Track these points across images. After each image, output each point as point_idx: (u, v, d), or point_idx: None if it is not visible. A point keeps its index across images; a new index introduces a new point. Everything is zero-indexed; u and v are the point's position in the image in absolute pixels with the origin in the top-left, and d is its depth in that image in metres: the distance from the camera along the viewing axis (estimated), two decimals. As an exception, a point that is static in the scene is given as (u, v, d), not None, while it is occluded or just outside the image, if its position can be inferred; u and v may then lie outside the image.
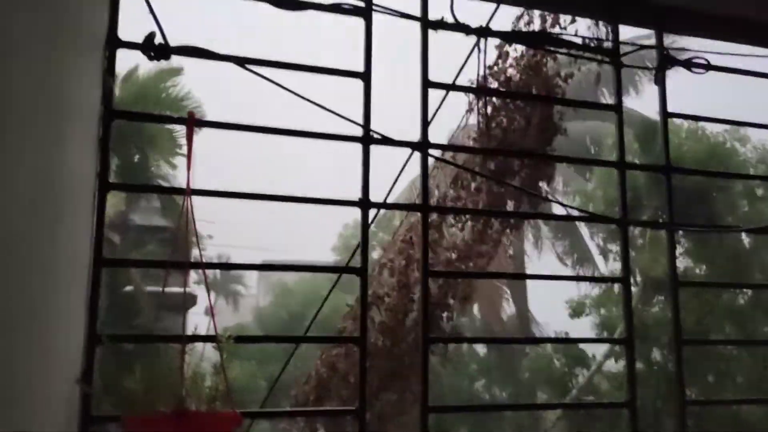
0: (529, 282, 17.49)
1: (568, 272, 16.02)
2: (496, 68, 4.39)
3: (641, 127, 11.74)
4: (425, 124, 2.75)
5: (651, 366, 11.96)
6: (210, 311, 2.41)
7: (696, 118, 4.19)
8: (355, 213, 2.63)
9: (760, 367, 11.72)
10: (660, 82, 3.04)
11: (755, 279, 11.69)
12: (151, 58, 2.39)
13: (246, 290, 25.17)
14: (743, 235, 12.03)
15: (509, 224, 5.38)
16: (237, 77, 2.66)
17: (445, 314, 5.85)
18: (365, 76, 2.65)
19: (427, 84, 2.76)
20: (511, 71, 4.46)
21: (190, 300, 12.89)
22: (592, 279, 16.45)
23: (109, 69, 2.39)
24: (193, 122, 2.37)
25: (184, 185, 2.19)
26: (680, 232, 11.35)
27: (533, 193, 4.28)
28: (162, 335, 2.22)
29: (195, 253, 2.45)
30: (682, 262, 12.28)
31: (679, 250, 12.31)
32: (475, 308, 15.75)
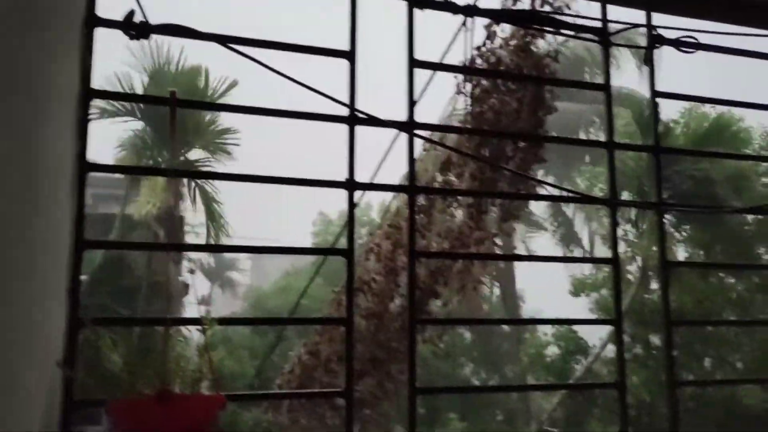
0: (519, 270, 17.54)
1: (550, 243, 16.08)
2: (484, 49, 4.35)
3: (640, 108, 11.78)
4: (411, 103, 2.72)
5: (650, 350, 12.03)
6: (195, 295, 2.39)
7: (686, 98, 4.17)
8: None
9: (757, 352, 11.86)
10: (649, 61, 3.01)
11: (758, 263, 11.74)
12: (132, 37, 2.35)
13: (242, 276, 24.97)
14: (748, 219, 12.02)
15: (508, 214, 5.33)
16: (220, 58, 2.62)
17: (435, 301, 5.83)
18: (350, 56, 2.61)
19: (413, 63, 2.72)
20: (500, 52, 4.41)
21: (182, 288, 12.83)
22: (583, 260, 16.53)
23: (87, 48, 2.34)
24: (176, 102, 2.33)
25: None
26: (678, 218, 11.42)
27: (526, 175, 4.26)
28: (145, 318, 2.19)
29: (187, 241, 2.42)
30: (682, 249, 12.32)
31: (678, 236, 12.33)
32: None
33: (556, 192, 11.24)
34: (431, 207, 5.48)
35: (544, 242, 16.46)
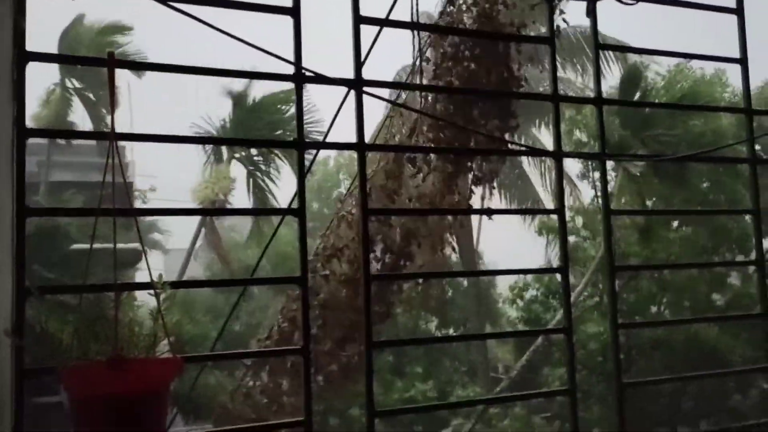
0: (480, 230, 17.79)
1: (519, 221, 16.42)
2: (447, 17, 4.31)
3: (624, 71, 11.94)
4: (358, 61, 2.70)
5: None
6: (144, 259, 2.37)
7: (626, 50, 4.24)
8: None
9: (705, 292, 12.51)
10: (591, 13, 3.05)
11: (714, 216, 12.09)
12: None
13: (164, 238, 24.31)
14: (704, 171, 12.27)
15: (482, 177, 5.35)
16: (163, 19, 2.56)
17: (410, 264, 5.86)
18: (294, 12, 2.57)
19: (359, 20, 2.70)
20: (466, 18, 4.37)
21: (135, 255, 12.61)
22: (531, 211, 16.89)
23: (20, 10, 2.26)
24: (114, 63, 2.26)
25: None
26: (645, 174, 11.64)
27: (497, 137, 4.27)
28: (94, 284, 2.17)
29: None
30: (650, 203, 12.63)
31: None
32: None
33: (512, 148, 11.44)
34: (401, 173, 5.47)
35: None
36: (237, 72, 2.55)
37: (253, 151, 15.26)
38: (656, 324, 12.52)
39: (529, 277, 15.00)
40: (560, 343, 12.58)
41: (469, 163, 4.81)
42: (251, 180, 15.19)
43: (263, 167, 15.37)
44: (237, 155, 15.34)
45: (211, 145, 15.41)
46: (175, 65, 2.45)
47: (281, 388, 5.44)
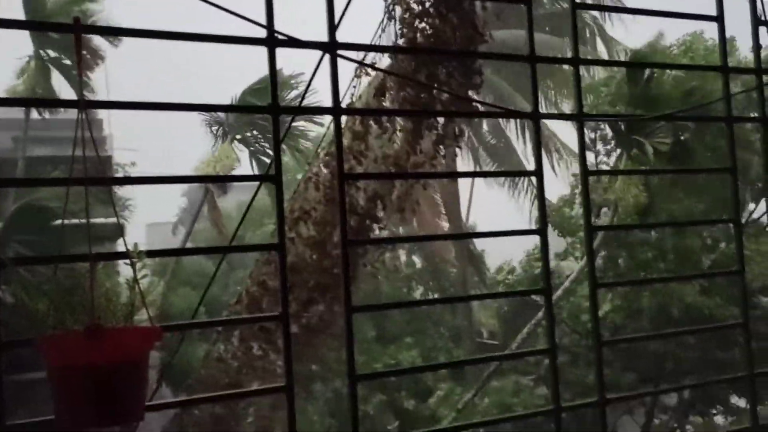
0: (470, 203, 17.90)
1: (505, 192, 16.51)
2: None
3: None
4: (332, 24, 2.66)
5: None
6: (121, 231, 2.34)
7: (604, 8, 4.21)
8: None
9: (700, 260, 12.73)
10: (568, -28, 3.01)
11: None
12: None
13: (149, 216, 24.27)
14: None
15: (444, 135, 5.34)
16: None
17: (375, 225, 5.89)
18: (265, -26, 2.51)
19: (332, -20, 2.65)
20: None
21: (116, 229, 12.54)
22: (509, 174, 16.95)
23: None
24: (80, 28, 2.20)
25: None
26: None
27: (462, 97, 4.25)
28: (68, 255, 2.14)
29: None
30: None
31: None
32: (415, 225, 16.10)
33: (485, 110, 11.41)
34: (367, 133, 5.45)
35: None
36: (208, 36, 2.49)
37: (255, 131, 15.68)
38: (633, 283, 12.68)
39: (515, 260, 15.16)
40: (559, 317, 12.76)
41: (433, 122, 4.79)
42: (253, 160, 15.58)
43: (265, 146, 15.74)
44: (238, 136, 15.69)
45: (219, 128, 15.72)
46: (145, 30, 2.39)
47: (252, 351, 5.47)
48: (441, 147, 5.36)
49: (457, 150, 5.74)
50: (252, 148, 15.96)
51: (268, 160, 15.42)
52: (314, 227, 5.70)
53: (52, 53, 14.73)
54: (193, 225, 17.10)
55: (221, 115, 15.54)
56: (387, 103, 5.19)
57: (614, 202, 11.56)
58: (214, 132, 15.80)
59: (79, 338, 1.86)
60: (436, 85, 4.33)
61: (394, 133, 5.27)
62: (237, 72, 16.17)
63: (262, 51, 2.51)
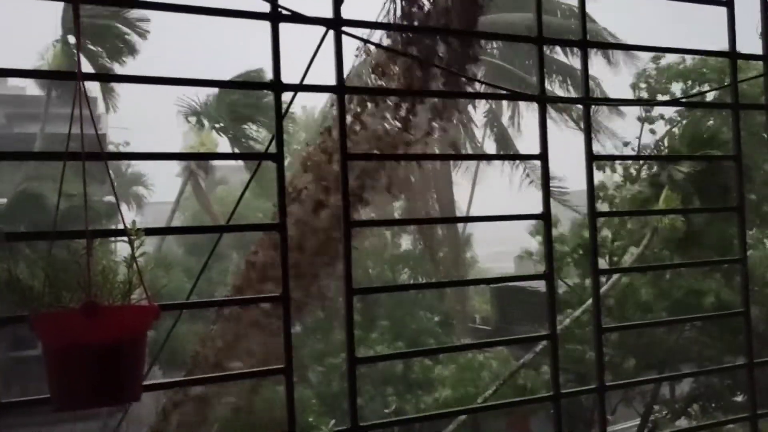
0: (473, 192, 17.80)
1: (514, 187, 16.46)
2: None
3: None
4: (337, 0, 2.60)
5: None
6: (117, 207, 2.29)
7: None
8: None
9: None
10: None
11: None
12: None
13: (148, 192, 24.37)
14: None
15: (438, 112, 5.27)
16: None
17: (359, 205, 5.82)
18: (269, -54, 2.44)
19: (336, -45, 2.58)
20: None
21: (112, 208, 12.47)
22: (512, 157, 16.94)
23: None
24: (79, 0, 2.13)
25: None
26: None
27: (458, 73, 4.19)
28: (65, 231, 2.09)
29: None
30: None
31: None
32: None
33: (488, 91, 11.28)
34: (362, 112, 5.38)
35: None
36: (211, 9, 2.42)
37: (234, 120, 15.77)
38: (635, 270, 12.63)
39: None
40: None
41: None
42: (235, 148, 15.72)
43: (248, 133, 15.78)
44: (217, 125, 15.75)
45: (196, 118, 15.75)
46: (145, 1, 2.33)
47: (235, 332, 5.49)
48: (435, 122, 5.29)
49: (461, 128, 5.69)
50: (230, 136, 15.96)
51: (250, 144, 15.37)
52: (299, 206, 5.66)
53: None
54: (177, 203, 17.10)
55: (197, 105, 15.59)
56: (383, 80, 5.10)
57: (652, 227, 10.88)
58: (191, 122, 15.94)
59: (76, 316, 1.81)
60: (436, 64, 4.26)
61: (386, 111, 5.19)
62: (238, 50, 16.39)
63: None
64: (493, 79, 14.05)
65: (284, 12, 2.45)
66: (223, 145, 16.07)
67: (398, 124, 4.81)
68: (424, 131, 5.23)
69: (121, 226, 2.09)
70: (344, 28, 2.59)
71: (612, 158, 11.69)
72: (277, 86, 2.44)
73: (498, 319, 16.98)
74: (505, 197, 16.39)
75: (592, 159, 2.87)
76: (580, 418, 13.09)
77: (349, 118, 4.95)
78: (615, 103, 10.20)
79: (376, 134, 5.00)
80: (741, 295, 3.35)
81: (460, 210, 18.35)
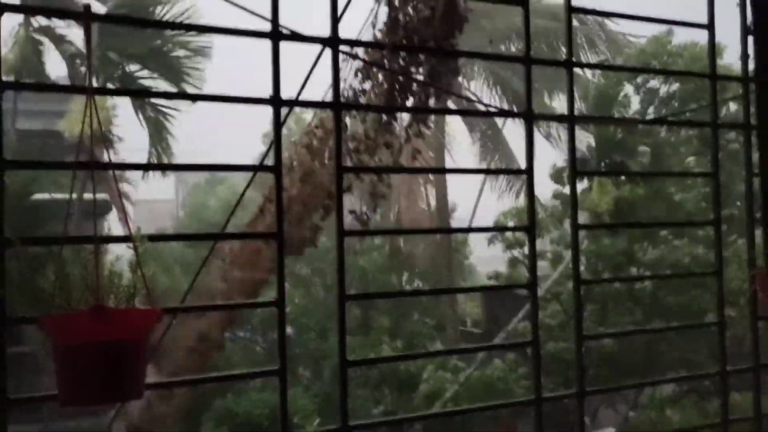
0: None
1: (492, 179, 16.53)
2: None
3: None
4: (335, 19, 2.73)
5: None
6: (122, 212, 2.41)
7: (599, 13, 4.30)
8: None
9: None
10: (565, -24, 3.09)
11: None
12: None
13: (133, 188, 24.34)
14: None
15: (414, 119, 5.34)
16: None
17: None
18: (271, -31, 2.57)
19: (335, -23, 2.71)
20: None
21: (103, 206, 12.51)
22: (499, 171, 17.01)
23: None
24: (90, 17, 2.25)
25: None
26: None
27: (437, 86, 4.31)
28: (74, 237, 2.21)
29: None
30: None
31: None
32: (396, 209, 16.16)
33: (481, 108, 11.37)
34: (346, 115, 5.47)
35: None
36: (212, 28, 2.55)
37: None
38: (617, 280, 12.79)
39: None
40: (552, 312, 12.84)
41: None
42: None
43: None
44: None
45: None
46: (152, 20, 2.45)
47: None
48: (410, 129, 5.37)
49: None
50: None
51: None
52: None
53: (43, 21, 14.30)
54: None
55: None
56: (368, 85, 5.16)
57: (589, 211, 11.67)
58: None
59: (85, 318, 1.93)
60: (422, 80, 4.37)
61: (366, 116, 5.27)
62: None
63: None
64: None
65: (284, 31, 2.58)
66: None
67: (375, 126, 4.87)
68: (403, 137, 5.30)
69: (119, 225, 2.22)
70: (341, 47, 2.72)
71: (595, 174, 11.87)
72: (277, 102, 2.57)
73: (488, 321, 17.10)
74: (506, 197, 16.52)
75: (576, 174, 3.01)
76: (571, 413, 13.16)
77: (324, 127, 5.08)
78: (600, 122, 10.33)
79: (357, 138, 5.07)
80: (717, 307, 3.49)
81: (455, 204, 18.34)
